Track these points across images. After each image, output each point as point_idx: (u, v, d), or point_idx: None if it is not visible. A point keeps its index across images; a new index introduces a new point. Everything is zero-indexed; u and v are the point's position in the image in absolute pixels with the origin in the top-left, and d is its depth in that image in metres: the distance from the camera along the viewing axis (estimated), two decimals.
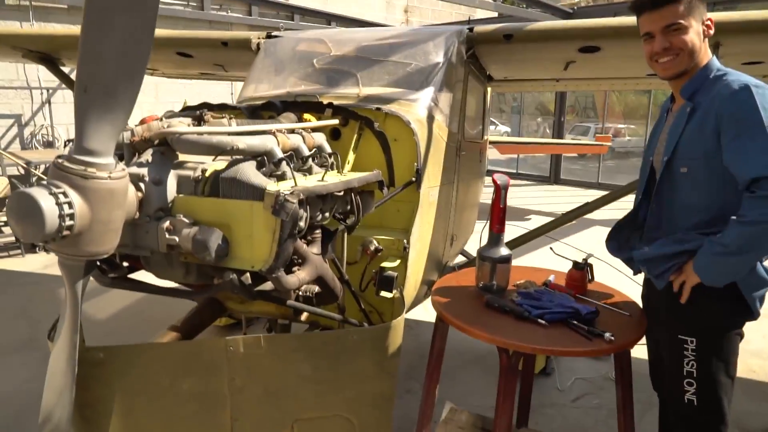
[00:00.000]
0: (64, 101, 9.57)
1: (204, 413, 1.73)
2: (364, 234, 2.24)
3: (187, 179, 1.63)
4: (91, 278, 1.52)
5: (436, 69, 2.87)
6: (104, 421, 1.68)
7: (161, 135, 1.58)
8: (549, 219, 3.92)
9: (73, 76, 4.49)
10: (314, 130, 2.13)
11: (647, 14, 1.77)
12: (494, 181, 2.21)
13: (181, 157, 1.71)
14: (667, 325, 1.85)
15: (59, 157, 1.26)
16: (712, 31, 1.78)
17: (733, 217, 1.61)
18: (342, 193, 1.81)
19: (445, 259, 3.12)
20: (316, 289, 1.86)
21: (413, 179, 2.32)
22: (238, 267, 1.57)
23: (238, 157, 1.67)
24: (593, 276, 2.31)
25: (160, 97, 10.29)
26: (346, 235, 2.03)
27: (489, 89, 4.39)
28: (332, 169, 1.97)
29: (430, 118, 2.64)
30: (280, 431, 1.79)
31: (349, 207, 1.89)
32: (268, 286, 1.69)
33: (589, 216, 3.89)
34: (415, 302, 2.73)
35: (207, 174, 1.64)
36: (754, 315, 1.76)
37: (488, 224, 2.24)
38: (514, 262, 2.24)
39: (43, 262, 5.77)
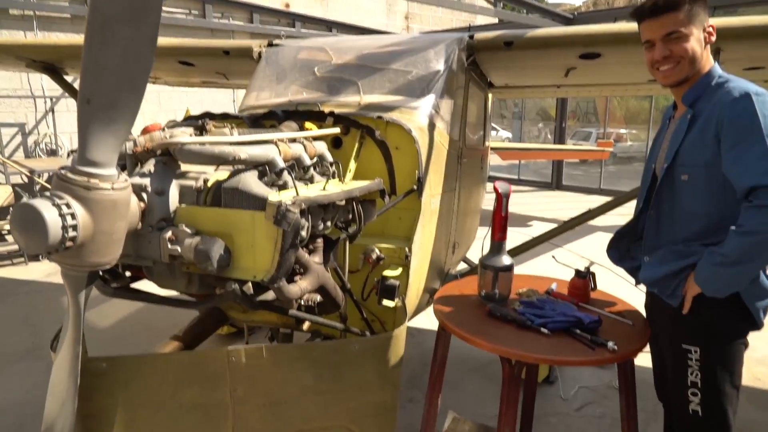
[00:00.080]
0: (68, 110, 9.65)
1: (206, 424, 1.73)
2: (366, 242, 2.24)
3: (190, 189, 1.63)
4: (94, 288, 1.52)
5: (437, 76, 2.87)
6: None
7: (164, 145, 1.59)
8: (551, 225, 3.91)
9: (76, 85, 4.51)
10: (316, 139, 2.13)
11: (647, 22, 1.76)
12: (496, 190, 2.20)
13: (184, 167, 1.71)
14: (671, 335, 1.83)
15: (62, 168, 1.27)
16: (713, 38, 1.76)
17: (732, 227, 1.60)
18: (343, 202, 1.81)
19: (447, 266, 3.12)
20: (318, 298, 1.86)
21: (415, 187, 2.32)
22: (240, 277, 1.57)
23: (240, 166, 1.68)
24: (596, 284, 2.31)
25: (162, 105, 10.36)
26: (347, 243, 2.03)
27: (490, 96, 4.40)
28: (334, 178, 1.97)
29: (431, 126, 2.64)
30: None
31: (350, 216, 1.90)
32: (270, 295, 1.69)
33: (591, 222, 3.88)
34: (418, 310, 2.72)
35: (209, 184, 1.65)
36: (758, 325, 1.74)
37: (490, 232, 2.23)
38: (516, 270, 2.24)
39: (46, 271, 5.77)
